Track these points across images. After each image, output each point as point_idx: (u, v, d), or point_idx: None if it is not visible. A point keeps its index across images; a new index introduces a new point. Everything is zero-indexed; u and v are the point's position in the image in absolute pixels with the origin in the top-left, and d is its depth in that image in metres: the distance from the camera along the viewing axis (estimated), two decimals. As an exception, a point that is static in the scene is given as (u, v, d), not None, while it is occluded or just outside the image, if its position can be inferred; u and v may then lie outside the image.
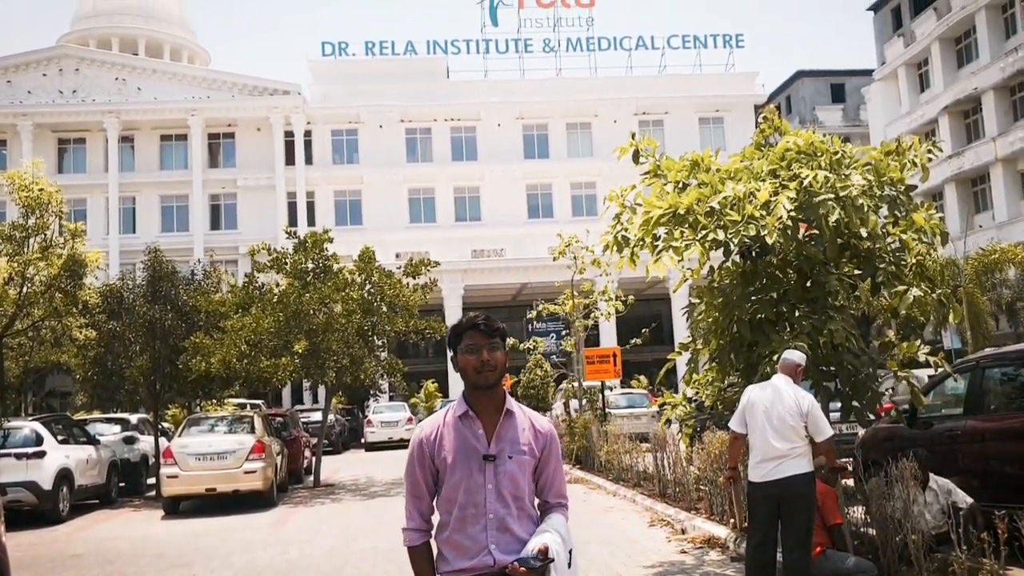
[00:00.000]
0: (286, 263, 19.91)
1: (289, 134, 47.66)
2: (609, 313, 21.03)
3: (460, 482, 3.30)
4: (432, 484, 3.40)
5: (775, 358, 7.52)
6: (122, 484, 19.19)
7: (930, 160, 9.35)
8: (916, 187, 9.43)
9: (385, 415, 32.67)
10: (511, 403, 3.41)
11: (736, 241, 8.45)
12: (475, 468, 3.30)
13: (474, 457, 3.31)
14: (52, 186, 20.20)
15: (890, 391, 12.87)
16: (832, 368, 8.88)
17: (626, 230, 9.30)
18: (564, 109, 49.70)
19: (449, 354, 3.45)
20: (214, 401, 22.24)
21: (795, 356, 7.19)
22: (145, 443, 20.62)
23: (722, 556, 9.44)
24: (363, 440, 33.35)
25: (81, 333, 20.66)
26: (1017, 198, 38.38)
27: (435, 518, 3.44)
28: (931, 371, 10.31)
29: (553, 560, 3.21)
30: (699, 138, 47.07)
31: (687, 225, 8.77)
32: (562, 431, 19.47)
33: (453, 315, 39.71)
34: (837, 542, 7.56)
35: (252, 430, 16.93)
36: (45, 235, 19.71)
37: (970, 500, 7.86)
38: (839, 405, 9.07)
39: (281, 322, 18.74)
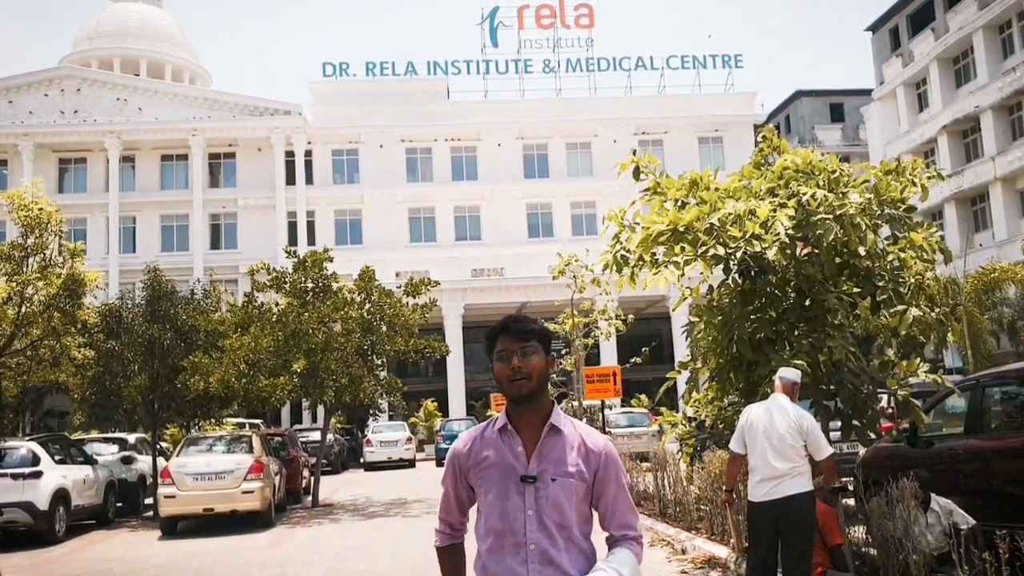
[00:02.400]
0: (286, 282, 19.92)
1: (290, 154, 47.76)
2: (609, 332, 21.00)
3: (495, 505, 2.95)
4: (464, 502, 3.11)
5: (774, 377, 7.50)
6: (119, 504, 19.11)
7: (929, 179, 9.35)
8: (915, 208, 9.42)
9: (384, 435, 32.58)
10: (559, 417, 3.01)
11: (738, 257, 8.44)
12: (512, 490, 2.94)
13: (511, 477, 2.95)
14: (52, 205, 20.22)
15: (891, 410, 12.83)
16: (832, 387, 8.84)
17: (626, 249, 9.30)
18: (564, 129, 49.84)
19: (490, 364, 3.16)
20: (212, 421, 22.17)
21: (792, 374, 7.17)
22: (143, 463, 20.53)
23: (722, 577, 9.37)
24: (362, 460, 33.27)
25: (79, 352, 20.62)
26: (1017, 217, 38.41)
27: (470, 538, 3.16)
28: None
29: None
30: (698, 157, 47.12)
31: (687, 242, 8.77)
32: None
33: (453, 334, 39.70)
34: (838, 563, 7.51)
35: (250, 449, 16.86)
36: (44, 254, 19.71)
37: (972, 520, 7.81)
38: (839, 424, 9.02)
39: (280, 341, 18.71)
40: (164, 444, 24.36)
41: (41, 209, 19.62)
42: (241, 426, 26.55)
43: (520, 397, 2.97)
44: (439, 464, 32.00)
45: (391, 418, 36.18)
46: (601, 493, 3.01)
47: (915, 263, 8.79)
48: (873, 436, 9.12)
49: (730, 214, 8.52)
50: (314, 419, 38.60)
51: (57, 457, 16.35)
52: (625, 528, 3.04)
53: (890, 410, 12.76)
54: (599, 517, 3.04)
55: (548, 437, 2.98)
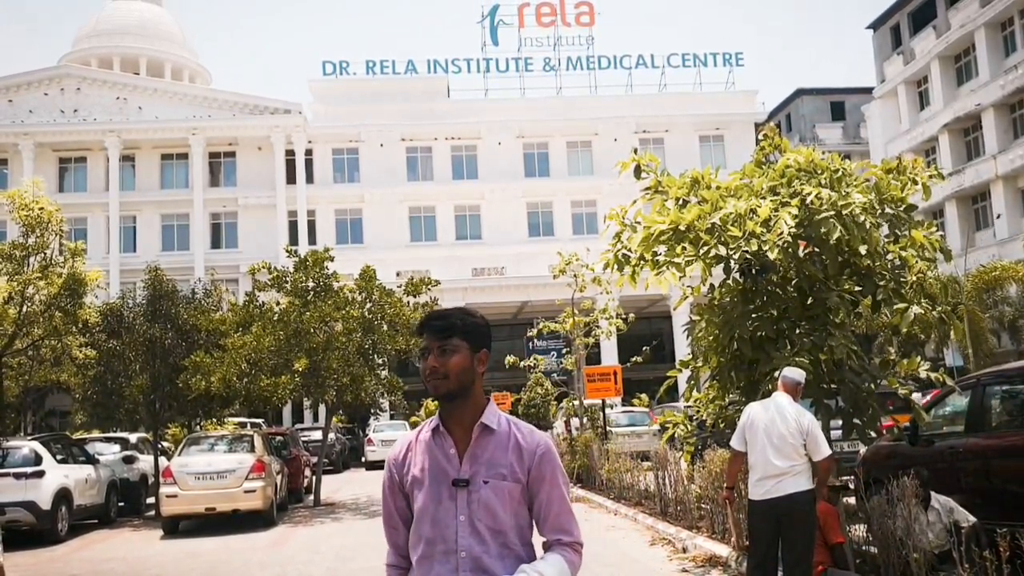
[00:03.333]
0: (287, 281, 19.92)
1: (290, 153, 47.74)
2: (610, 331, 20.99)
3: (426, 511, 2.81)
4: (407, 512, 2.93)
5: (776, 376, 7.51)
6: (121, 504, 19.12)
7: (930, 177, 9.35)
8: (916, 207, 9.42)
9: (386, 433, 32.58)
10: (492, 416, 2.87)
11: (737, 257, 8.44)
12: (444, 495, 2.80)
13: (443, 481, 2.81)
14: (52, 205, 20.23)
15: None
16: (833, 386, 8.84)
17: (627, 248, 9.29)
18: (564, 128, 49.80)
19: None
20: (214, 420, 22.18)
21: (795, 374, 7.18)
22: (144, 462, 20.55)
23: (724, 575, 9.39)
24: (364, 459, 33.31)
25: (81, 352, 20.63)
26: (1018, 215, 38.37)
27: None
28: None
29: None
30: (699, 156, 47.10)
31: (688, 241, 8.77)
32: (563, 449, 19.42)
33: (454, 333, 39.59)
34: (839, 561, 7.52)
35: (252, 449, 16.88)
36: (45, 254, 19.73)
37: (972, 518, 7.82)
38: (840, 423, 9.03)
39: (281, 340, 18.72)
40: (166, 444, 24.37)
41: (42, 209, 19.63)
42: (242, 425, 26.57)
43: (437, 397, 2.87)
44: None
45: (392, 417, 36.19)
46: (535, 494, 2.84)
47: (916, 261, 8.79)
48: (874, 434, 9.13)
49: (731, 213, 8.52)
50: (315, 418, 38.62)
51: (59, 457, 16.38)
52: (559, 532, 2.86)
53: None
54: (534, 520, 2.88)
55: (480, 437, 2.85)
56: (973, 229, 39.82)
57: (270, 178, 47.61)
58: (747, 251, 8.33)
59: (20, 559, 13.42)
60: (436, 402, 2.91)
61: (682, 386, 12.69)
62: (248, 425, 27.20)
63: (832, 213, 8.32)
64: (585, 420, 21.39)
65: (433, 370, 2.82)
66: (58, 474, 15.77)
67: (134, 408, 19.89)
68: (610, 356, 35.30)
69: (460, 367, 2.83)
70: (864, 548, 8.32)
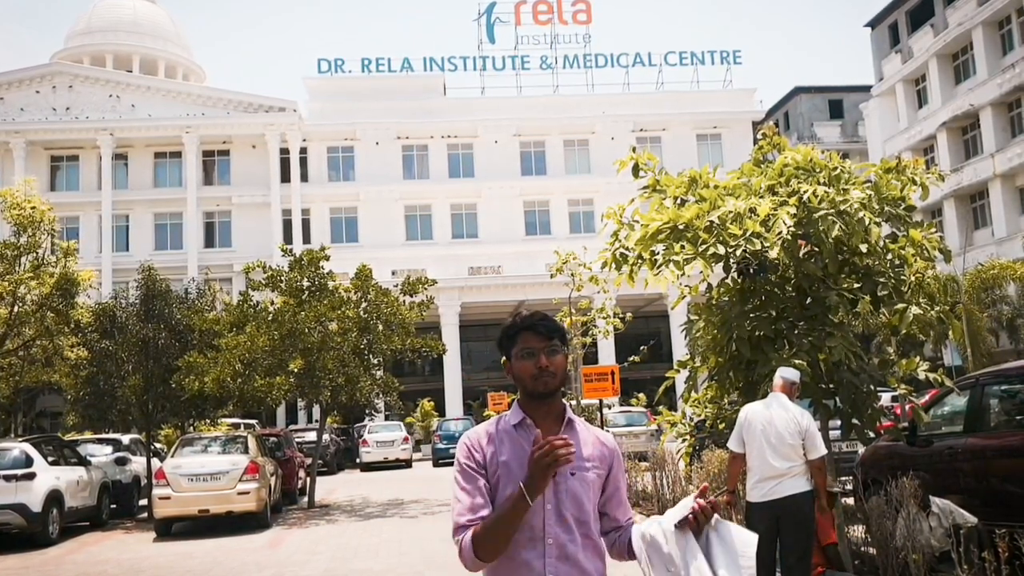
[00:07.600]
0: (281, 281, 19.79)
1: (285, 151, 47.59)
2: (607, 331, 20.87)
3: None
4: (488, 495, 2.92)
5: (774, 376, 7.42)
6: (114, 506, 18.98)
7: (931, 178, 9.25)
8: (915, 207, 9.32)
9: (381, 435, 32.45)
10: (572, 413, 3.06)
11: (738, 254, 8.33)
12: None
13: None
14: (44, 204, 20.06)
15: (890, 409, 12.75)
16: (832, 386, 8.75)
17: (625, 247, 9.17)
18: (561, 126, 49.72)
19: (502, 359, 3.08)
20: (207, 421, 22.05)
21: (791, 374, 7.13)
22: (137, 464, 20.41)
23: None
24: (358, 460, 33.15)
25: (73, 352, 20.47)
26: (1016, 214, 38.35)
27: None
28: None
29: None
30: (697, 155, 47.05)
31: (687, 240, 8.65)
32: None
33: (450, 333, 39.58)
34: (833, 561, 7.46)
35: (246, 450, 16.76)
36: (37, 253, 19.56)
37: (972, 519, 7.73)
38: (839, 423, 8.93)
39: (276, 340, 18.59)
40: (159, 445, 24.23)
41: (33, 208, 19.46)
42: (236, 426, 26.43)
43: (545, 394, 2.99)
44: (436, 464, 31.88)
45: (387, 418, 36.06)
46: (614, 487, 3.07)
47: (915, 260, 8.69)
48: (872, 435, 9.03)
49: (730, 212, 8.41)
50: (310, 419, 38.47)
51: (50, 458, 16.23)
52: (630, 515, 3.13)
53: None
54: (610, 507, 3.07)
55: (565, 431, 3.00)
56: (971, 228, 39.79)
57: (264, 176, 47.48)
58: (747, 250, 8.22)
59: (10, 562, 13.32)
60: (538, 399, 3.00)
61: (680, 387, 12.55)
62: (242, 426, 27.05)
63: (831, 211, 8.22)
64: (583, 420, 21.27)
65: (544, 369, 2.96)
66: (49, 476, 15.60)
67: (127, 409, 19.74)
68: (607, 356, 35.22)
69: (562, 366, 3.01)
70: (863, 549, 8.23)
